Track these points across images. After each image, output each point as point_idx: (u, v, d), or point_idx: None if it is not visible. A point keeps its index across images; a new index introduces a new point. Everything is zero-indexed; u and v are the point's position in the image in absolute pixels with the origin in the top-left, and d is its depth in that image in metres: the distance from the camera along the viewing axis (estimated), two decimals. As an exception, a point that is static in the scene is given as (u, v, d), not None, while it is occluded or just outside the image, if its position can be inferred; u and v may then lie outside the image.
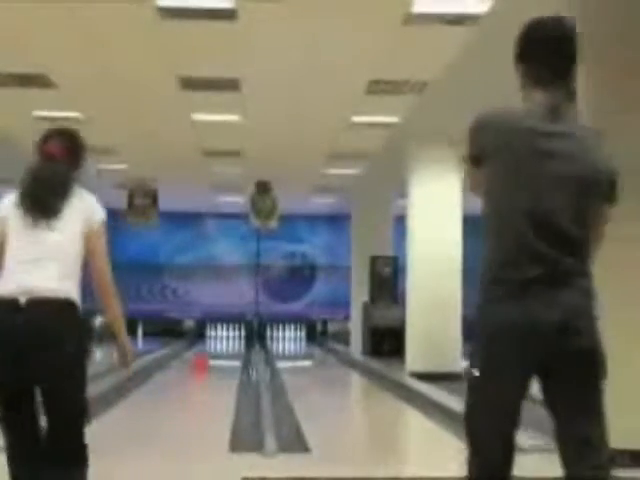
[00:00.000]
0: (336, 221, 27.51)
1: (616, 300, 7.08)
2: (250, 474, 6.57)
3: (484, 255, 3.41)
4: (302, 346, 26.24)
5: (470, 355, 3.32)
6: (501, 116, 3.53)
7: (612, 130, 7.23)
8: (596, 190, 3.34)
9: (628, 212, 7.15)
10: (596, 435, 3.31)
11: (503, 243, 3.28)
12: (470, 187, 3.49)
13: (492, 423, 3.29)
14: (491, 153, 3.32)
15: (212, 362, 20.67)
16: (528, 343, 3.14)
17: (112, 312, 5.12)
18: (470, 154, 3.39)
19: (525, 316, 3.13)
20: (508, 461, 3.43)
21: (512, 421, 3.32)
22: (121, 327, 4.99)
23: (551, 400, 3.34)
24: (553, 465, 7.13)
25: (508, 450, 3.40)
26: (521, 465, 7.24)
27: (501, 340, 3.16)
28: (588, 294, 3.25)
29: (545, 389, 3.30)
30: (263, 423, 8.95)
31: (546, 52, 3.50)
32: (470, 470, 3.34)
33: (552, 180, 3.22)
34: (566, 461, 3.44)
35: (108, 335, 20.56)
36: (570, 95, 3.43)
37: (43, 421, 4.23)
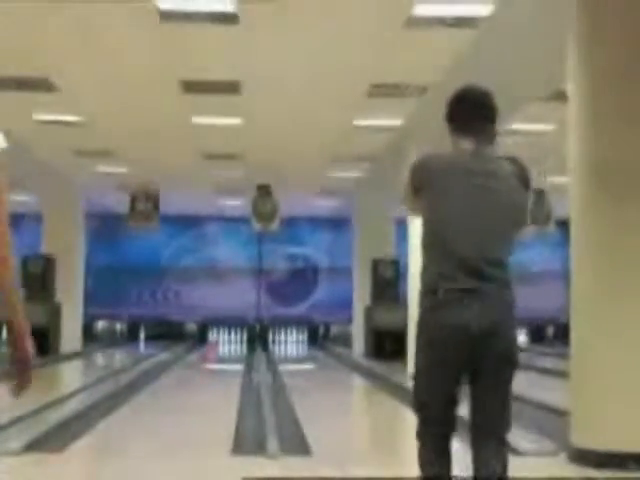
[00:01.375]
0: (338, 224, 27.51)
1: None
2: (251, 476, 6.58)
3: (424, 267, 4.12)
4: (304, 349, 26.23)
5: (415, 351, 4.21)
6: (437, 156, 4.29)
7: (611, 135, 7.28)
8: (514, 218, 4.16)
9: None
10: (503, 414, 4.22)
11: (442, 259, 4.02)
12: (409, 210, 4.49)
13: (435, 400, 4.12)
14: (429, 184, 4.13)
15: (214, 365, 20.70)
16: (461, 344, 3.96)
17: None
18: (411, 185, 4.23)
19: (460, 322, 3.93)
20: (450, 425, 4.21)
21: (451, 400, 4.12)
22: (16, 305, 3.12)
23: (473, 384, 4.10)
24: (553, 468, 7.16)
25: (450, 416, 4.18)
26: (521, 468, 7.26)
27: (440, 340, 4.00)
28: (510, 306, 4.14)
29: (471, 376, 4.07)
30: (265, 425, 8.96)
31: (470, 114, 4.29)
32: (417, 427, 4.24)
33: (480, 208, 4.03)
34: (475, 430, 4.20)
35: (109, 339, 20.50)
36: (489, 142, 4.19)
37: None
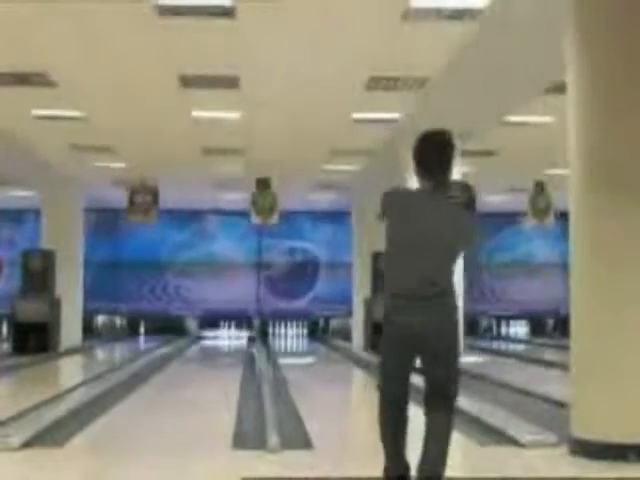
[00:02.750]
0: (337, 217, 27.50)
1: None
2: (252, 472, 6.58)
3: (384, 274, 5.37)
4: (304, 343, 26.23)
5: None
6: (401, 189, 5.86)
7: (610, 127, 7.26)
8: (458, 243, 5.32)
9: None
10: (448, 380, 5.25)
11: (394, 274, 5.26)
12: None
13: (390, 382, 5.37)
14: (390, 212, 5.33)
15: (213, 359, 20.70)
16: (409, 341, 5.20)
17: None
18: (381, 211, 5.39)
19: (409, 323, 5.16)
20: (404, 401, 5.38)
21: (403, 381, 5.33)
22: None
23: (423, 365, 5.30)
24: (554, 460, 7.16)
25: (403, 394, 5.37)
26: (522, 460, 7.26)
27: (393, 337, 5.25)
28: (450, 312, 5.24)
29: (421, 361, 5.28)
30: (266, 420, 8.95)
31: (427, 157, 5.28)
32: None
33: (431, 234, 5.16)
34: (427, 395, 5.32)
35: (109, 334, 20.54)
36: (444, 182, 5.26)
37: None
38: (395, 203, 5.32)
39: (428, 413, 5.31)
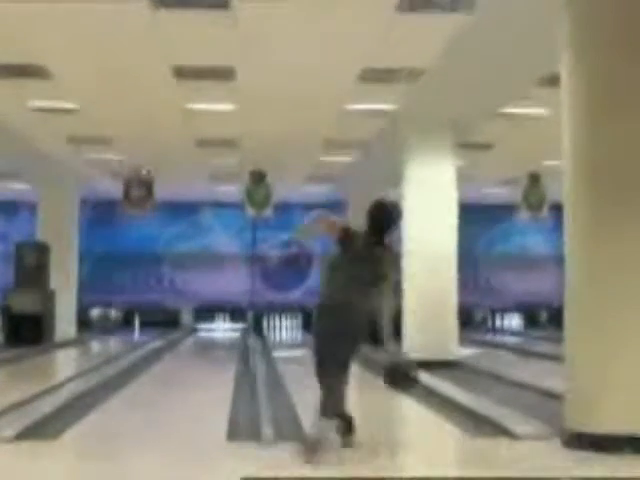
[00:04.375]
0: (332, 209, 27.45)
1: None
2: (246, 465, 6.59)
3: (321, 286, 7.72)
4: (299, 335, 26.24)
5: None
6: (353, 232, 7.40)
7: (606, 124, 7.27)
8: (373, 281, 7.33)
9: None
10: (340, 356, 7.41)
11: (326, 288, 7.48)
12: (305, 235, 9.78)
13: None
14: (341, 244, 7.38)
15: (208, 351, 20.70)
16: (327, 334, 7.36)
17: None
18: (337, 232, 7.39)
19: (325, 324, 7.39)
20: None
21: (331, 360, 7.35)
22: None
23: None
24: (548, 452, 7.17)
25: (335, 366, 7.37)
26: (516, 451, 7.27)
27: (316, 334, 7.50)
28: (355, 316, 7.39)
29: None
30: (260, 412, 8.96)
31: (371, 221, 7.40)
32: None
33: (355, 270, 7.31)
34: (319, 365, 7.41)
35: (104, 327, 20.52)
36: (381, 240, 7.37)
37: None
38: (347, 241, 7.40)
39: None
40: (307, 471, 6.50)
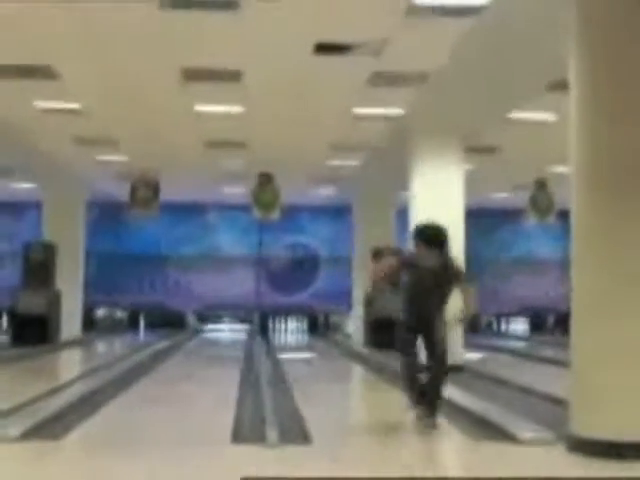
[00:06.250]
0: (338, 212, 27.49)
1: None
2: (251, 467, 6.58)
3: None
4: (304, 337, 26.25)
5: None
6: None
7: (614, 129, 7.26)
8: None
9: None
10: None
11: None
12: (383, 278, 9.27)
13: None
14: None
15: (213, 354, 20.70)
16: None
17: None
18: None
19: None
20: None
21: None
22: None
23: None
24: (552, 457, 7.15)
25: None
26: (520, 457, 7.26)
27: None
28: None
29: None
30: (265, 414, 8.96)
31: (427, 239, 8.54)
32: None
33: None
34: None
35: (109, 327, 20.53)
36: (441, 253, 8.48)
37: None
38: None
39: None
40: (308, 462, 6.52)
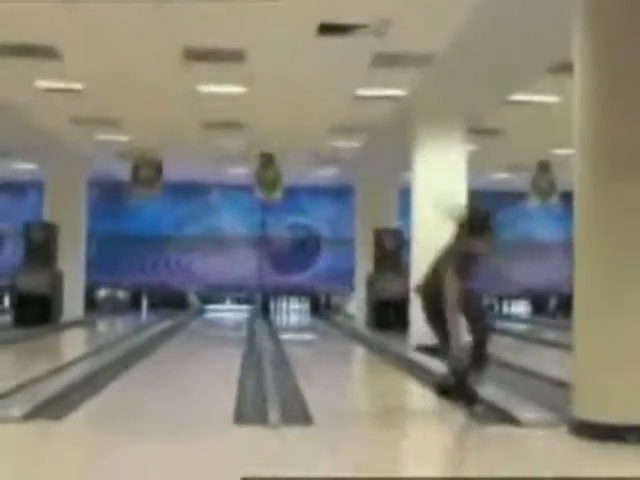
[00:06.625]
0: (340, 193, 27.46)
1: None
2: (253, 449, 6.59)
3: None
4: (306, 318, 26.26)
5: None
6: None
7: (617, 112, 7.23)
8: None
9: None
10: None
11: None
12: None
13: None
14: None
15: (215, 334, 20.73)
16: None
17: None
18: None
19: None
20: None
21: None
22: None
23: None
24: (554, 440, 7.15)
25: None
26: (522, 439, 7.26)
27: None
28: None
29: None
30: (267, 395, 8.96)
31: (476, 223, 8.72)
32: None
33: None
34: None
35: (111, 307, 20.55)
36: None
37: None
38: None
39: None
40: (311, 443, 6.52)
